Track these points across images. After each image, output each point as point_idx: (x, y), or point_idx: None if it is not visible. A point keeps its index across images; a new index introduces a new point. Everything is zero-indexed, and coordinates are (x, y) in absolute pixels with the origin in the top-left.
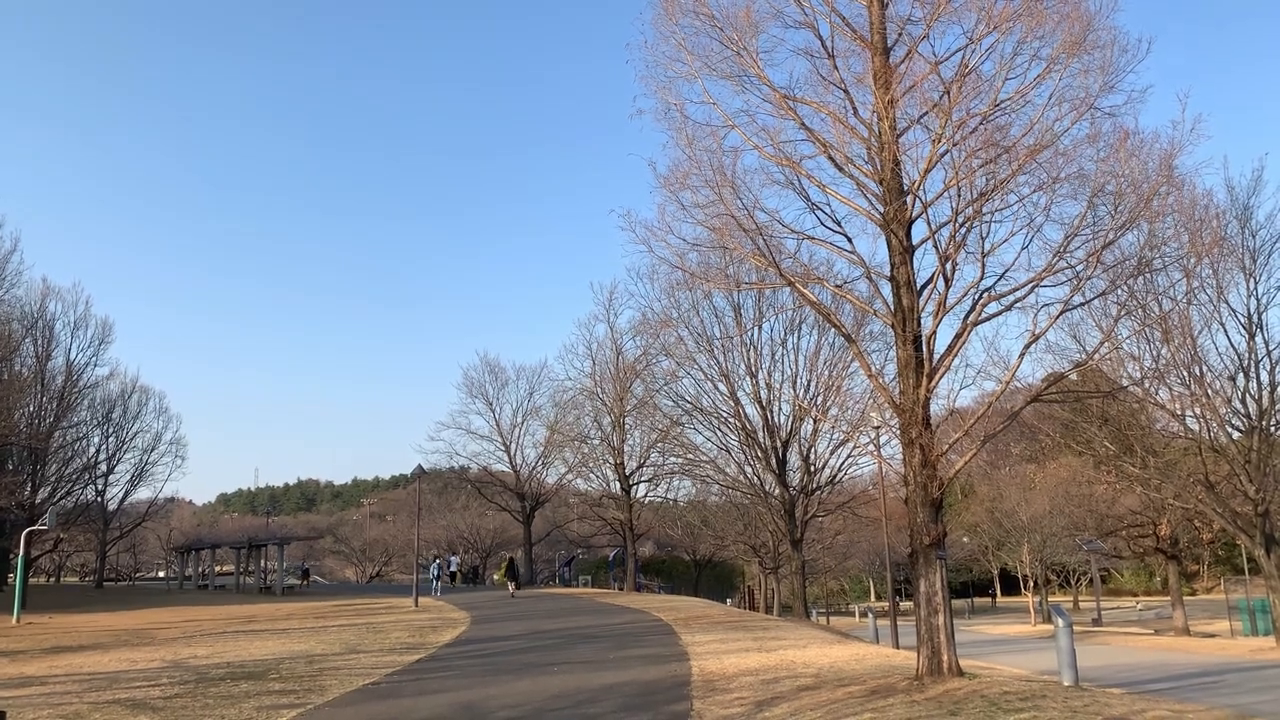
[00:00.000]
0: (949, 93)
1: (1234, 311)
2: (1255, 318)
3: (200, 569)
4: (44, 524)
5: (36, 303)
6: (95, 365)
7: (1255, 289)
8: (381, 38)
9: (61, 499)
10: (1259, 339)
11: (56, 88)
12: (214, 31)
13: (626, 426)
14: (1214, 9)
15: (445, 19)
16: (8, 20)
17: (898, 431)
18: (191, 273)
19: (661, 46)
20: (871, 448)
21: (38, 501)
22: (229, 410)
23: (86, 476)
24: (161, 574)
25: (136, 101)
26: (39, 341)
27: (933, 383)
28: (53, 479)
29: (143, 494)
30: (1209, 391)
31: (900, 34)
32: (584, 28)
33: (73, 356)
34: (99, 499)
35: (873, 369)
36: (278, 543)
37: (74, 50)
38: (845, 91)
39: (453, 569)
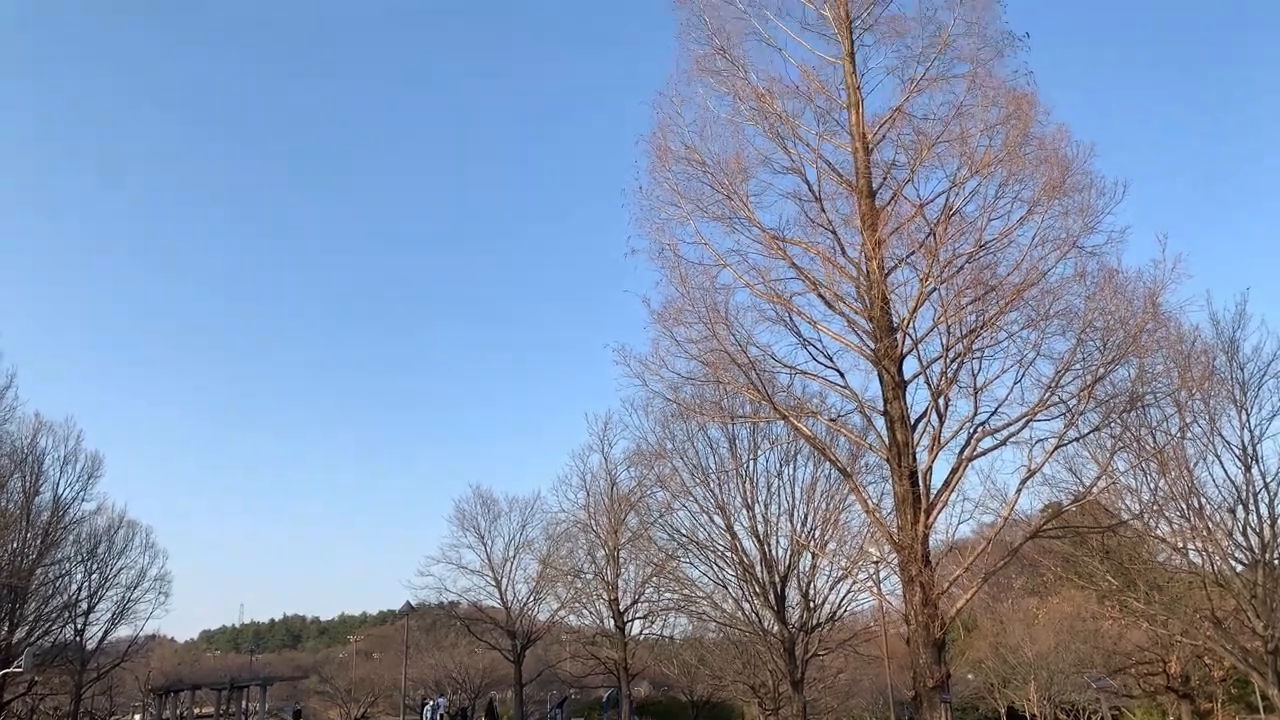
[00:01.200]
0: (935, 234)
1: (1228, 444)
2: (1250, 449)
3: (179, 712)
4: (20, 666)
5: (28, 438)
6: (83, 500)
7: (1248, 421)
8: (374, 184)
9: (39, 639)
10: (1255, 471)
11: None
12: (216, 192)
13: (621, 560)
14: (1196, 159)
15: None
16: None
17: (897, 567)
18: (181, 410)
19: (655, 191)
20: (871, 584)
21: (14, 642)
22: (215, 544)
23: (66, 615)
24: (138, 717)
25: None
26: (27, 477)
27: (930, 519)
28: (31, 618)
29: (123, 632)
30: (1209, 524)
31: (885, 177)
32: (584, 161)
33: (60, 491)
34: (78, 638)
35: (870, 503)
36: (260, 684)
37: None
38: (833, 232)
39: (440, 712)
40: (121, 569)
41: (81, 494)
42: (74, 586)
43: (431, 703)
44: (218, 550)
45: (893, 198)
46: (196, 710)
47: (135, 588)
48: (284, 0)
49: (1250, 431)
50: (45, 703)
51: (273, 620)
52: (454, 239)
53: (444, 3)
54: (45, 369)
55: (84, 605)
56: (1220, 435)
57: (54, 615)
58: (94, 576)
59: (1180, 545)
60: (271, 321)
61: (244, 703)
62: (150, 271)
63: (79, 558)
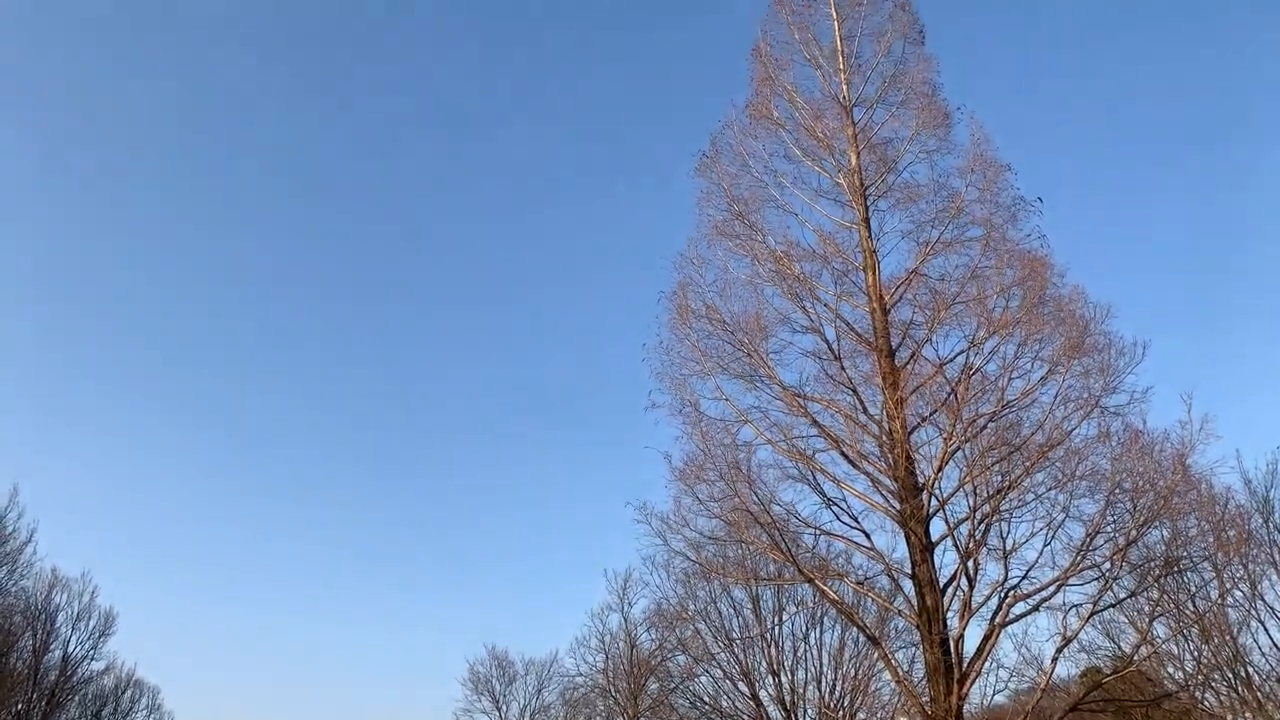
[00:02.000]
0: (956, 393)
1: (1271, 609)
2: None
3: None
4: None
5: (43, 593)
6: (92, 659)
7: None
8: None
9: None
10: None
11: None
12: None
13: None
14: (1207, 315)
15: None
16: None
17: None
18: (196, 565)
19: (677, 347)
20: None
21: None
22: (221, 704)
23: None
24: None
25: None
26: (38, 634)
27: (964, 689)
28: None
29: None
30: (1259, 695)
31: (904, 337)
32: (606, 311)
33: (71, 649)
34: None
35: (900, 671)
36: None
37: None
38: (854, 391)
39: None
40: None
41: (92, 653)
42: None
43: None
44: (223, 710)
45: (912, 356)
46: None
47: None
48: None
49: None
50: None
51: None
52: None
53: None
54: (64, 517)
55: None
56: (1262, 600)
57: None
58: None
59: (1229, 719)
60: (283, 468)
61: None
62: (179, 430)
63: (84, 719)
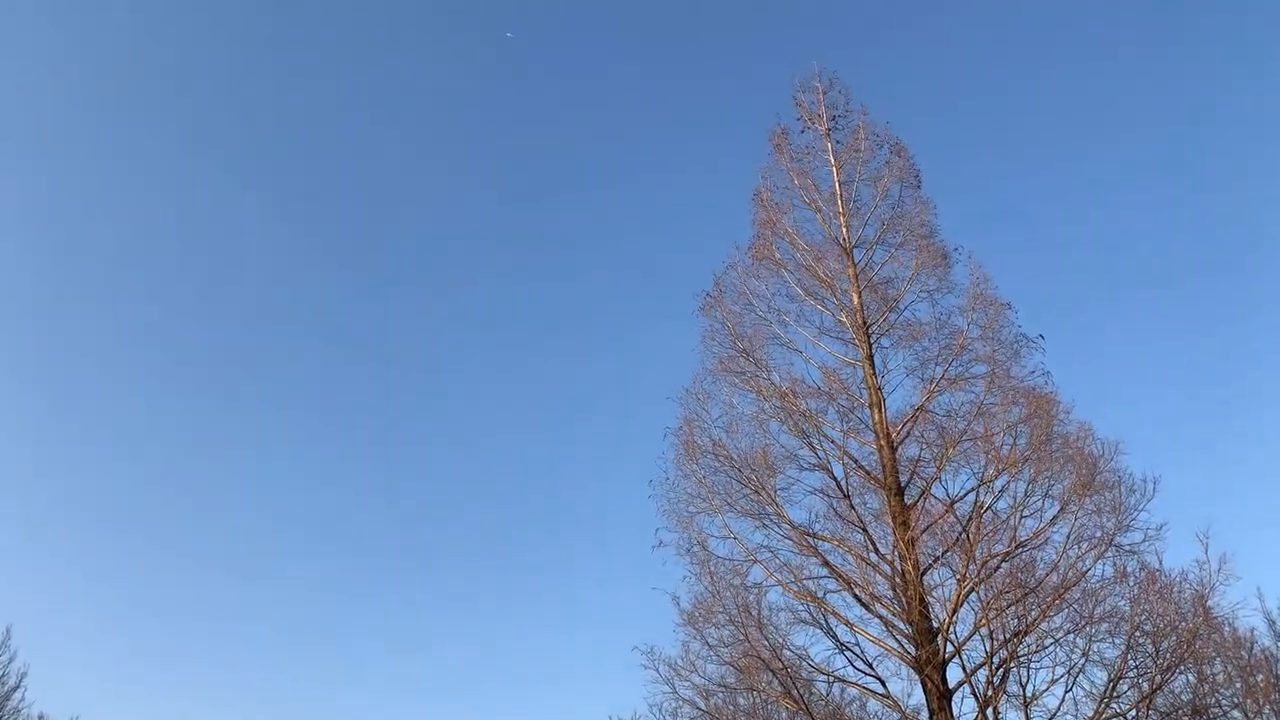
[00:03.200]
0: (967, 532)
1: None
2: None
3: None
4: None
5: None
6: None
7: None
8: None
9: None
10: None
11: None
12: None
13: None
14: (1218, 443)
15: None
16: None
17: None
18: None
19: (683, 484)
20: None
21: None
22: None
23: None
24: None
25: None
26: None
27: None
28: None
29: None
30: None
31: (913, 475)
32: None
33: None
34: None
35: None
36: None
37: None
38: (864, 529)
39: None
40: None
41: None
42: None
43: None
44: None
45: (922, 494)
46: None
47: None
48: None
49: None
50: None
51: None
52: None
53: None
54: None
55: None
56: None
57: None
58: None
59: None
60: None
61: None
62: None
63: None
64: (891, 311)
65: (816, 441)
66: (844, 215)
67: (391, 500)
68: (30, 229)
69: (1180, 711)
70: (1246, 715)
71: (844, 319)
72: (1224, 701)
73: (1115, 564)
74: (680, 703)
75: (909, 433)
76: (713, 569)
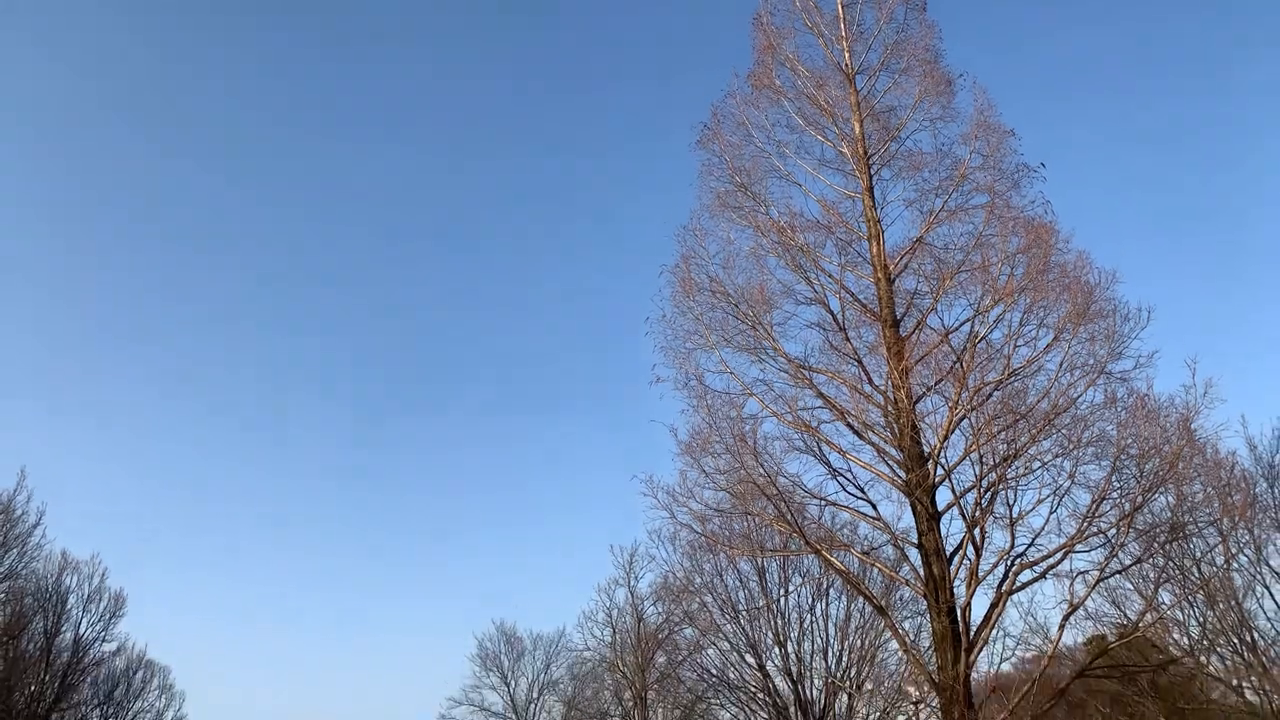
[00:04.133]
0: (961, 361)
1: (1276, 573)
2: None
3: None
4: None
5: (53, 576)
6: (103, 640)
7: None
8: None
9: None
10: None
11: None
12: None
13: (649, 701)
14: (1212, 279)
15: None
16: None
17: (938, 709)
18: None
19: (680, 320)
20: None
21: None
22: (229, 677)
23: None
24: None
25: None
26: (49, 616)
27: (971, 657)
28: None
29: None
30: (1263, 660)
31: (909, 307)
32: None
33: (82, 631)
34: None
35: (907, 640)
36: None
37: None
38: (858, 361)
39: None
40: (138, 713)
41: (103, 634)
42: None
43: None
44: (235, 690)
45: (917, 326)
46: None
47: None
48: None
49: None
50: None
51: None
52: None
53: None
54: (71, 500)
55: None
56: (1267, 564)
57: None
58: None
59: (1235, 683)
60: (288, 449)
61: None
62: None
63: (95, 701)
64: (893, 141)
65: (814, 276)
66: (846, 40)
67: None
68: None
69: (1158, 529)
70: (1221, 532)
71: (844, 149)
72: (1200, 520)
73: (1106, 390)
74: (678, 528)
75: (906, 265)
76: (709, 402)
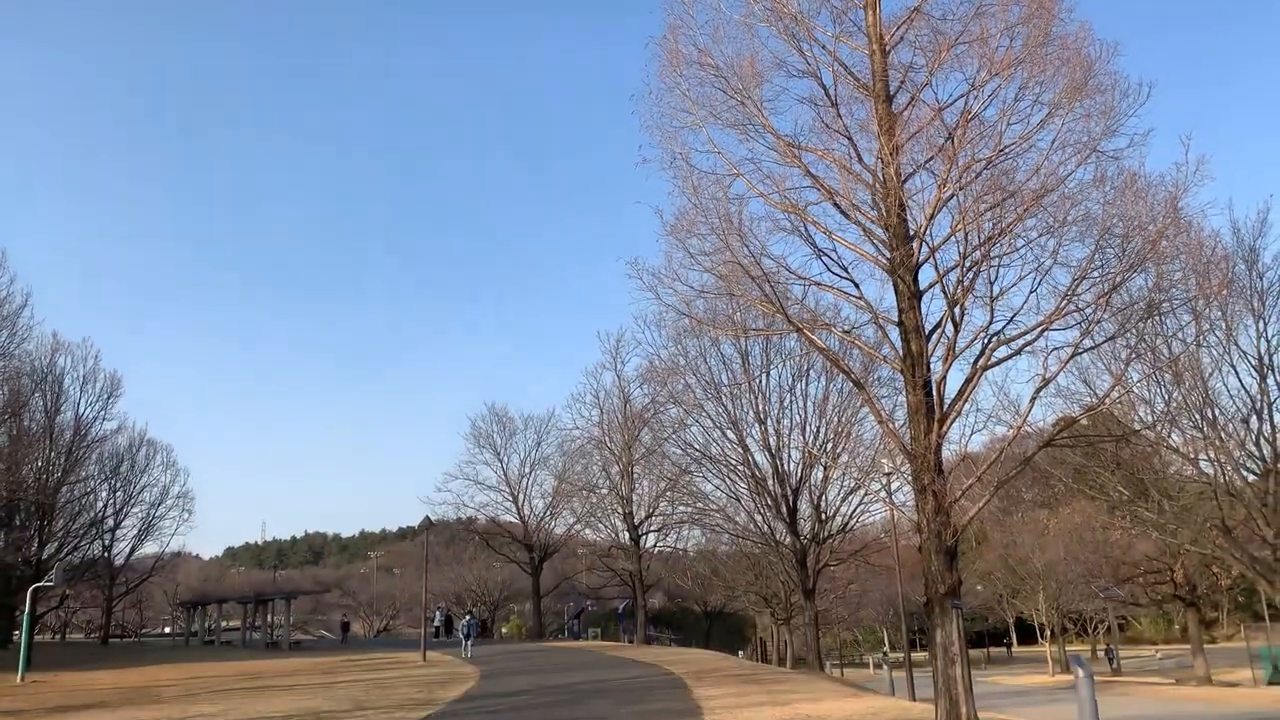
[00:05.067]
0: (953, 138)
1: (1244, 354)
2: (1266, 359)
3: (206, 625)
4: (50, 580)
5: (46, 357)
6: (104, 419)
7: (1265, 330)
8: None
9: (68, 554)
10: (1270, 380)
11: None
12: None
13: (635, 475)
14: (1215, 55)
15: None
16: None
17: (909, 478)
18: (195, 326)
19: (667, 97)
20: (883, 495)
21: (44, 557)
22: (236, 462)
23: (93, 532)
24: (168, 630)
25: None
26: (48, 396)
27: (944, 428)
28: (59, 534)
29: (149, 549)
30: (1222, 435)
31: (903, 81)
32: (586, 70)
33: (81, 411)
34: (105, 554)
35: (883, 414)
36: (285, 597)
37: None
38: (849, 139)
39: (437, 623)
40: (144, 487)
41: (102, 413)
42: (99, 504)
43: (453, 612)
44: (239, 469)
45: (910, 101)
46: (224, 623)
47: (159, 505)
48: None
49: (1267, 341)
50: (78, 616)
51: (294, 537)
52: (462, 161)
53: None
54: (61, 292)
55: (110, 522)
56: (1236, 344)
57: (81, 532)
58: (118, 494)
59: (1192, 455)
60: (285, 227)
61: (269, 615)
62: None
63: (102, 476)
64: None
65: (806, 46)
66: None
67: None
68: None
69: (1134, 307)
70: (1195, 312)
71: None
72: (1176, 299)
73: (1096, 169)
74: (663, 310)
75: (903, 36)
76: (696, 182)
